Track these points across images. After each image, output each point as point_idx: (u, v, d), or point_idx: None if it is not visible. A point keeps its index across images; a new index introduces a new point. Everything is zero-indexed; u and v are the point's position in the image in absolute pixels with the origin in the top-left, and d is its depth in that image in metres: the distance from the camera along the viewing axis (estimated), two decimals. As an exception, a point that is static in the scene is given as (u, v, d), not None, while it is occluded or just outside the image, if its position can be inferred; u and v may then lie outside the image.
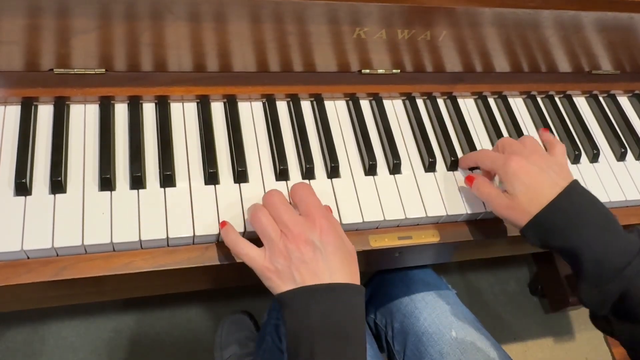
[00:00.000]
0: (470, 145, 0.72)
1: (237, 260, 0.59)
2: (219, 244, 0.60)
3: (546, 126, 0.78)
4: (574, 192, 0.59)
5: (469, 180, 0.65)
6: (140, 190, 0.59)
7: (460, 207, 0.67)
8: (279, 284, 0.53)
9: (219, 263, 0.59)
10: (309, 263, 0.52)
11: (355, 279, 0.55)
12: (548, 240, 0.58)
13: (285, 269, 0.53)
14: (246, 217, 0.58)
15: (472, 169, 0.70)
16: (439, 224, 0.67)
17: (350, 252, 0.56)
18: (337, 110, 0.72)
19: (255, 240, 0.56)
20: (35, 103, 0.63)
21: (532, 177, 0.59)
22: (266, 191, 0.59)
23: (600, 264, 0.55)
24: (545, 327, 1.40)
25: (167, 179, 0.60)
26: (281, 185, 0.64)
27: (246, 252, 0.54)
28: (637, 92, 0.88)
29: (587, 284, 0.56)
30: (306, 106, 0.71)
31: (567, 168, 0.62)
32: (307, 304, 0.52)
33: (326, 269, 0.53)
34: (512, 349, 1.36)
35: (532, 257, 1.49)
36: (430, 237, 0.66)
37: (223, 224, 0.58)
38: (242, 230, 0.59)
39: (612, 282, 0.54)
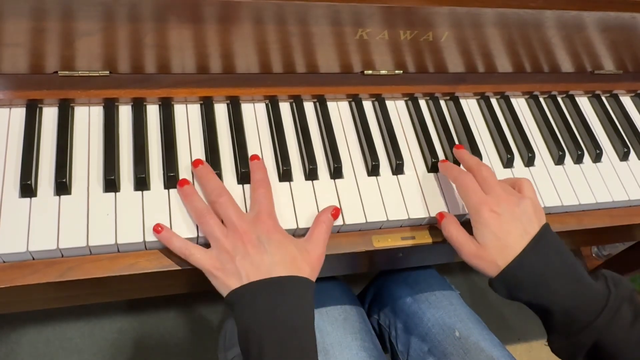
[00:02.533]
0: (472, 145, 0.72)
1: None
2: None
3: (549, 126, 0.78)
4: (542, 243, 0.57)
5: (439, 217, 0.64)
6: (144, 192, 0.60)
7: (462, 208, 0.67)
8: (225, 281, 0.54)
9: (222, 264, 0.59)
10: (253, 257, 0.53)
11: (301, 274, 0.55)
12: (515, 294, 0.58)
13: (230, 265, 0.54)
14: (193, 219, 0.58)
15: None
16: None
17: (305, 251, 0.56)
18: (339, 111, 0.73)
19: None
20: (40, 105, 0.63)
21: (503, 226, 0.57)
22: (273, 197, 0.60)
23: (570, 317, 0.55)
24: (549, 327, 1.40)
25: (171, 180, 0.60)
26: (284, 186, 0.64)
27: (193, 253, 0.55)
28: (639, 91, 0.87)
29: (558, 335, 0.56)
30: (309, 107, 0.72)
31: (540, 208, 0.60)
32: (253, 298, 0.53)
33: (270, 263, 0.54)
34: (516, 349, 1.35)
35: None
36: (433, 238, 0.66)
37: (157, 229, 0.57)
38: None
39: (582, 334, 0.54)
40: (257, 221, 0.56)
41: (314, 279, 0.56)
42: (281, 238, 0.56)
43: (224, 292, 0.54)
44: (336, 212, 0.61)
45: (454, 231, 0.61)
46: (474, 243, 0.59)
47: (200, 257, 0.55)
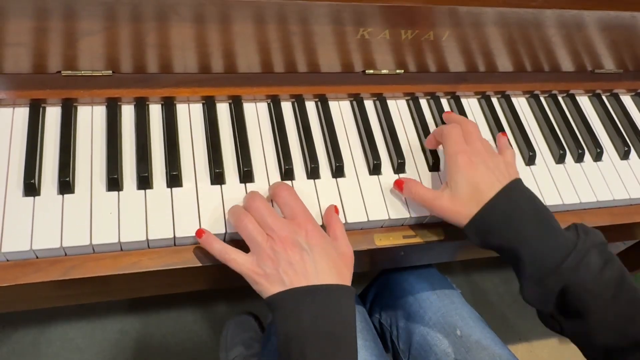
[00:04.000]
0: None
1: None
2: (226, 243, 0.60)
3: (550, 125, 0.78)
4: (512, 191, 0.59)
5: (397, 185, 0.65)
6: (147, 190, 0.60)
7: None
8: (268, 287, 0.53)
9: (225, 262, 0.59)
10: (297, 265, 0.53)
11: (345, 281, 0.55)
12: (487, 239, 0.58)
13: (273, 272, 0.53)
14: (230, 221, 0.58)
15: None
16: (443, 222, 0.67)
17: (342, 254, 0.57)
18: (341, 111, 0.73)
19: (237, 241, 0.56)
20: (43, 105, 0.63)
21: (477, 174, 0.59)
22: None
23: (538, 261, 0.55)
24: (550, 327, 1.40)
25: (174, 179, 0.61)
26: (286, 185, 0.64)
27: (234, 257, 0.55)
28: (639, 90, 0.88)
29: (527, 281, 0.56)
30: (311, 106, 0.72)
31: (515, 168, 0.62)
32: (297, 305, 0.52)
33: (314, 271, 0.53)
34: (518, 349, 1.35)
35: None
36: (435, 236, 0.66)
37: (200, 233, 0.57)
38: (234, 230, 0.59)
39: (550, 277, 0.54)
40: (295, 225, 0.55)
41: (350, 283, 0.56)
42: (322, 242, 0.55)
43: (265, 296, 0.54)
44: (336, 210, 0.62)
45: (421, 190, 0.62)
46: (445, 194, 0.60)
47: (241, 262, 0.54)
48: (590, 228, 0.58)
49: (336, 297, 0.53)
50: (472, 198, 0.58)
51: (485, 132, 0.76)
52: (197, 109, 0.68)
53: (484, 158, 0.60)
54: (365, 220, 0.64)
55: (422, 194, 0.62)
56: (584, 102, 0.84)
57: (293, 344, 0.51)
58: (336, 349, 0.51)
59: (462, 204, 0.59)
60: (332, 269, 0.54)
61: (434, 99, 0.77)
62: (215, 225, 0.59)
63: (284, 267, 0.53)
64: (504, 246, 0.57)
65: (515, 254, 0.56)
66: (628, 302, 0.54)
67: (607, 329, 0.54)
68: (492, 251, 0.60)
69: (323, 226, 0.61)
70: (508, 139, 0.70)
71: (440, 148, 0.69)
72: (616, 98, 0.85)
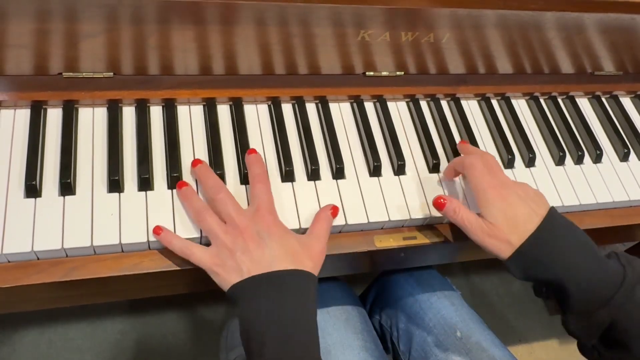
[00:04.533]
0: (473, 146, 0.73)
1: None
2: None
3: (549, 127, 0.78)
4: (554, 222, 0.58)
5: (437, 204, 0.63)
6: (148, 192, 0.60)
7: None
8: (226, 277, 0.53)
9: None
10: (254, 252, 0.53)
11: (303, 268, 0.55)
12: (532, 273, 0.57)
13: (230, 261, 0.53)
14: (190, 215, 0.59)
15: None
16: (444, 224, 0.68)
17: (306, 245, 0.56)
18: (341, 112, 0.73)
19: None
20: (44, 106, 0.64)
21: (512, 206, 0.58)
22: (272, 192, 0.60)
23: (586, 294, 0.54)
24: (551, 328, 1.40)
25: (175, 181, 0.61)
26: (287, 187, 0.64)
27: (194, 252, 0.55)
28: (639, 93, 0.88)
29: (574, 315, 0.56)
30: (311, 108, 0.72)
31: (542, 195, 0.61)
32: (254, 293, 0.52)
33: (271, 258, 0.53)
34: (518, 350, 1.36)
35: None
36: (435, 237, 0.67)
37: (157, 230, 0.57)
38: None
39: (600, 311, 0.54)
40: (257, 216, 0.56)
41: (316, 274, 0.56)
42: (282, 232, 0.56)
43: (226, 288, 0.54)
44: (334, 210, 0.62)
45: (463, 213, 0.61)
46: (485, 222, 0.59)
47: (200, 256, 0.55)
48: (631, 257, 0.57)
49: (291, 281, 0.53)
50: (512, 230, 0.57)
51: (486, 134, 0.77)
52: (198, 110, 0.68)
53: (514, 189, 0.59)
54: (366, 221, 0.64)
55: (466, 217, 0.60)
56: (584, 104, 0.84)
57: (251, 332, 0.51)
58: (295, 333, 0.51)
59: (502, 235, 0.57)
60: (289, 257, 0.54)
61: (434, 101, 0.77)
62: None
63: (241, 256, 0.53)
64: (549, 279, 0.56)
65: (562, 286, 0.55)
66: None
67: None
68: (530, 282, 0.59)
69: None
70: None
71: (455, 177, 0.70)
72: (616, 100, 0.86)
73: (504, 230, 0.57)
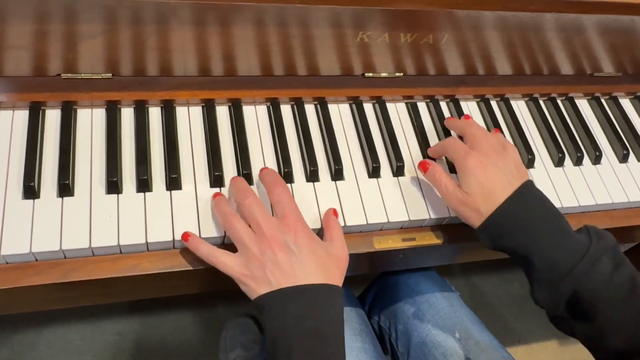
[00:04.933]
0: (473, 147, 0.73)
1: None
2: (225, 246, 0.60)
3: (549, 128, 0.78)
4: (526, 194, 0.59)
5: (422, 166, 0.65)
6: (146, 193, 0.60)
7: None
8: (255, 289, 0.53)
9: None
10: (284, 266, 0.53)
11: (333, 281, 0.55)
12: (499, 242, 0.58)
13: (260, 273, 0.53)
14: (218, 219, 0.58)
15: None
16: (442, 225, 0.68)
17: (333, 255, 0.56)
18: (340, 114, 0.73)
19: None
20: (43, 107, 0.63)
21: (489, 176, 0.59)
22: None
23: (550, 265, 0.55)
24: (550, 329, 1.37)
25: (173, 182, 0.61)
26: (286, 188, 0.64)
27: (222, 260, 0.55)
28: (639, 94, 0.88)
29: (539, 284, 0.56)
30: (310, 109, 0.72)
31: (524, 169, 0.63)
32: (284, 305, 0.52)
33: (301, 271, 0.53)
34: (517, 351, 1.36)
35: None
36: (434, 239, 0.67)
37: (185, 237, 0.57)
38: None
39: (563, 281, 0.54)
40: (284, 225, 0.55)
41: (342, 282, 0.56)
42: (310, 243, 0.55)
43: (253, 297, 0.54)
44: (336, 213, 0.62)
45: (443, 178, 0.62)
46: (461, 191, 0.60)
47: (229, 265, 0.54)
48: (602, 231, 0.58)
49: (322, 296, 0.53)
50: (485, 200, 0.59)
51: (485, 135, 0.76)
52: (197, 111, 0.68)
53: (494, 159, 0.61)
54: (365, 223, 0.64)
55: (445, 183, 0.62)
56: (583, 105, 0.84)
57: (280, 344, 0.51)
58: (322, 347, 0.51)
59: (474, 204, 0.59)
60: (320, 269, 0.54)
61: (433, 102, 0.77)
62: (214, 228, 0.59)
63: (271, 267, 0.52)
64: (515, 249, 0.57)
65: (527, 257, 0.56)
66: (639, 306, 0.54)
67: (618, 333, 0.54)
68: (499, 252, 0.60)
69: (321, 231, 0.61)
70: (503, 135, 0.70)
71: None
72: (615, 101, 0.86)
73: (477, 199, 0.59)
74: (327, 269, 0.55)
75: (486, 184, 0.59)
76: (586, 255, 0.54)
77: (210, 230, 0.59)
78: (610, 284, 0.54)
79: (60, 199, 0.58)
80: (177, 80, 0.67)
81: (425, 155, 0.71)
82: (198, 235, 0.58)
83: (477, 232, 0.60)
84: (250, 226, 0.55)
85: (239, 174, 0.64)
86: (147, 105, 0.66)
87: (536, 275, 0.56)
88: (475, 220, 0.59)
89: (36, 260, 0.56)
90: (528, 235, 0.56)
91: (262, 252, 0.53)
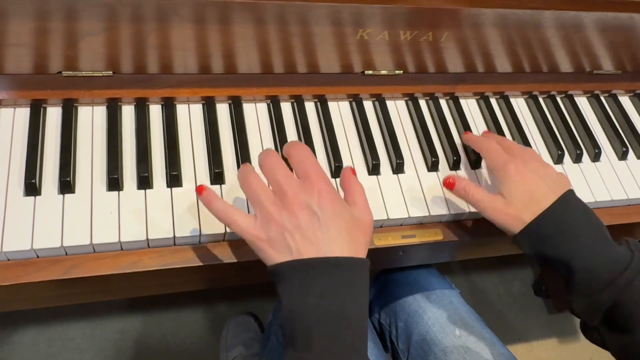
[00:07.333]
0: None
1: (229, 230, 0.54)
2: (226, 243, 0.60)
3: (548, 126, 0.78)
4: (568, 202, 0.59)
5: (447, 185, 0.63)
6: (147, 190, 0.60)
7: (462, 206, 0.67)
8: (272, 254, 0.48)
9: (225, 262, 0.60)
10: (305, 229, 0.48)
11: (358, 250, 0.50)
12: (540, 249, 0.58)
13: (278, 236, 0.48)
14: (238, 179, 0.53)
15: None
16: (442, 222, 0.68)
17: (358, 220, 0.52)
18: (340, 111, 0.73)
19: (238, 241, 0.56)
20: (44, 105, 0.64)
21: (529, 183, 0.59)
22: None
23: (591, 275, 0.55)
24: (550, 327, 1.40)
25: (174, 179, 0.61)
26: (286, 185, 0.64)
27: (235, 219, 0.50)
28: (638, 91, 0.88)
29: (578, 294, 0.56)
30: (310, 107, 0.72)
31: (565, 177, 0.62)
32: (304, 280, 0.47)
33: (324, 237, 0.48)
34: (517, 349, 1.36)
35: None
36: (434, 236, 0.67)
37: (200, 190, 0.52)
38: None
39: (603, 292, 0.54)
40: (307, 184, 0.49)
41: (367, 249, 0.52)
42: (334, 205, 0.49)
43: (269, 263, 0.49)
44: (354, 172, 0.57)
45: (473, 190, 0.61)
46: (499, 199, 0.60)
47: (242, 225, 0.49)
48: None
49: (347, 271, 0.48)
50: (527, 207, 0.58)
51: (484, 133, 0.77)
52: (197, 109, 0.68)
53: (534, 167, 0.60)
54: (364, 220, 0.64)
55: (480, 195, 0.61)
56: (583, 102, 0.85)
57: (298, 323, 0.46)
58: (344, 327, 0.47)
59: (515, 212, 0.58)
60: (345, 236, 0.49)
61: (433, 100, 0.77)
62: (214, 225, 0.59)
63: (291, 231, 0.48)
64: (556, 257, 0.57)
65: (567, 265, 0.56)
66: None
67: None
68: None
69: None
70: (503, 134, 0.70)
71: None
72: (614, 99, 0.86)
73: (517, 206, 0.58)
74: (353, 235, 0.50)
75: (528, 191, 0.58)
76: (629, 266, 0.54)
77: (211, 227, 0.59)
78: None
79: (62, 196, 0.58)
80: (178, 77, 0.67)
81: (424, 153, 0.71)
82: (198, 232, 0.58)
83: (518, 237, 0.59)
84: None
85: (239, 171, 0.64)
86: (147, 103, 0.67)
87: (576, 284, 0.56)
88: (516, 227, 0.59)
89: (37, 257, 0.56)
90: (571, 242, 0.56)
91: (281, 213, 0.48)
